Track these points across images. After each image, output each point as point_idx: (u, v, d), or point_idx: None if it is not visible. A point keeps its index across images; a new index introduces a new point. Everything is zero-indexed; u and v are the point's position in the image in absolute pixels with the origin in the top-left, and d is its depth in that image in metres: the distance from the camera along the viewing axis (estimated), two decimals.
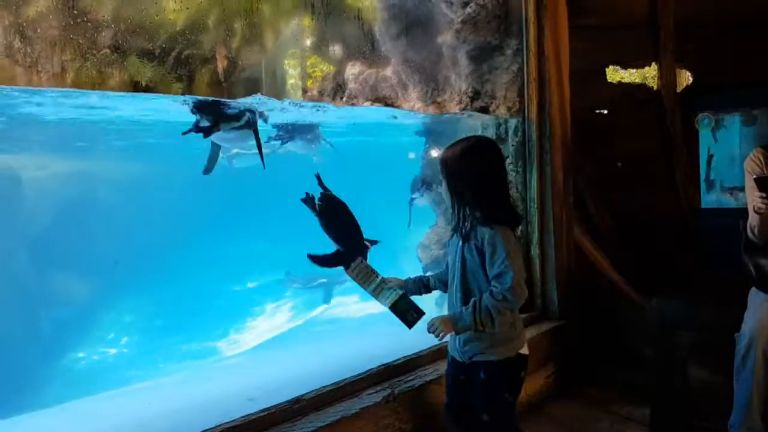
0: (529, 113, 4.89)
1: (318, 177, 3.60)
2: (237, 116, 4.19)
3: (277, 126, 6.09)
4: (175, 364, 7.44)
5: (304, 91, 5.69)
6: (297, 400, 3.17)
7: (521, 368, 2.84)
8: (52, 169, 9.33)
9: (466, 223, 2.73)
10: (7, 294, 7.70)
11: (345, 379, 3.39)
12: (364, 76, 5.84)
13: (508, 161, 5.02)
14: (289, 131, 6.22)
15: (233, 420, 2.94)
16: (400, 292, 2.91)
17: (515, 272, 2.56)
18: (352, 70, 5.85)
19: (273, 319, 9.46)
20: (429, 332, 2.68)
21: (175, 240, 9.75)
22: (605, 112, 6.08)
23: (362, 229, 3.41)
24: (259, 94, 4.16)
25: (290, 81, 5.58)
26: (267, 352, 7.31)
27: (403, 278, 3.15)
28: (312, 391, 3.27)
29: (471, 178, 2.70)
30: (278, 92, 5.36)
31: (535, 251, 4.89)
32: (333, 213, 3.64)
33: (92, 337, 8.74)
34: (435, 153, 6.29)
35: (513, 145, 4.97)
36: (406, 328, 2.87)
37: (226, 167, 7.78)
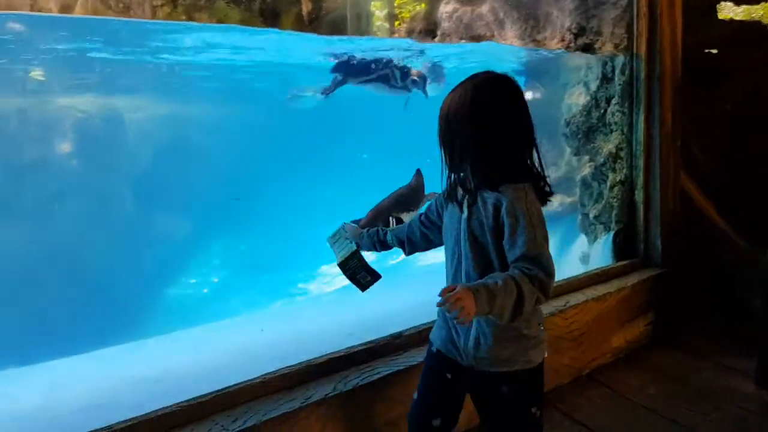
0: (637, 50, 4.63)
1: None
2: (367, 70, 4.26)
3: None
4: (270, 300, 7.71)
5: (392, 32, 5.60)
6: (398, 335, 3.22)
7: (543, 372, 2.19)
8: (152, 111, 9.68)
9: (469, 185, 2.06)
10: (114, 228, 8.16)
11: None
12: (459, 14, 5.67)
13: (614, 101, 4.81)
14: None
15: (338, 351, 3.02)
16: (353, 248, 2.49)
17: (548, 254, 1.92)
18: (446, 8, 5.69)
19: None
20: (440, 304, 1.78)
21: (273, 180, 9.97)
22: (714, 51, 5.70)
23: None
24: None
25: (377, 23, 5.50)
26: (356, 293, 7.43)
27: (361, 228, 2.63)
28: (411, 327, 3.31)
29: (478, 122, 1.97)
30: (364, 33, 5.30)
31: (639, 195, 4.70)
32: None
33: (193, 272, 9.17)
34: (533, 94, 6.11)
35: (619, 84, 4.74)
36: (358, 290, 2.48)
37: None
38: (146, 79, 8.28)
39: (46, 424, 3.10)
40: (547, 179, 2.07)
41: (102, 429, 2.28)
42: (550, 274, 1.88)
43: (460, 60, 7.15)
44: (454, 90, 2.09)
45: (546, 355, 2.15)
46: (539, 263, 1.87)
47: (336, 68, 4.82)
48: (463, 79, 2.09)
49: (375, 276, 2.44)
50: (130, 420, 2.34)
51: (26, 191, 7.66)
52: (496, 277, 1.85)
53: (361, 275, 2.44)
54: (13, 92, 7.65)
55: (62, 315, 6.37)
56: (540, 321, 2.13)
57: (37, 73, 7.20)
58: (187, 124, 9.92)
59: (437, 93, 6.76)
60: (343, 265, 2.47)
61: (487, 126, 1.97)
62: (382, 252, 2.60)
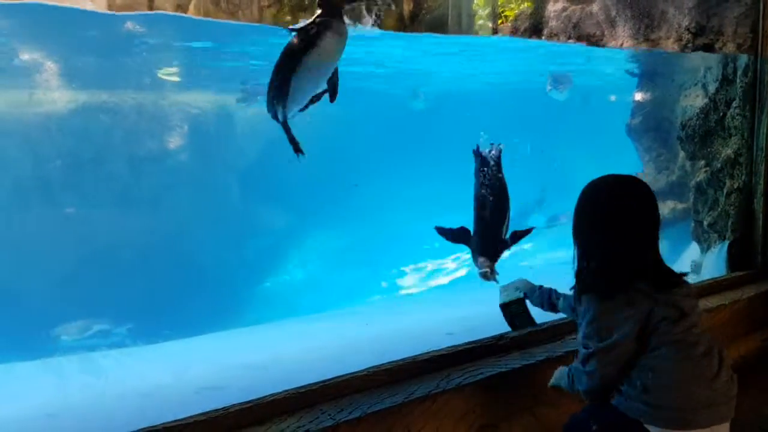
0: (763, 51, 4.38)
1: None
2: None
3: None
4: (369, 295, 7.86)
5: (494, 30, 5.55)
6: (501, 337, 3.21)
7: None
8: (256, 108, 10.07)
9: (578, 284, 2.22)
10: (217, 221, 8.55)
11: (548, 322, 3.37)
12: (567, 13, 5.56)
13: (734, 104, 4.57)
14: None
15: (441, 349, 3.05)
16: (520, 296, 2.78)
17: (598, 356, 2.06)
18: (554, 6, 5.60)
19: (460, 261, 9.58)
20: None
21: (370, 177, 10.14)
22: None
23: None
24: None
25: (479, 21, 5.47)
26: (455, 292, 7.44)
27: (537, 284, 2.94)
28: (514, 331, 3.29)
29: (585, 230, 2.21)
30: (464, 31, 5.29)
31: (759, 204, 4.45)
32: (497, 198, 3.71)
33: (293, 265, 9.47)
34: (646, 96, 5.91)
35: (741, 87, 4.51)
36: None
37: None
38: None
39: (173, 403, 3.31)
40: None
41: (220, 409, 2.42)
42: (588, 373, 2.11)
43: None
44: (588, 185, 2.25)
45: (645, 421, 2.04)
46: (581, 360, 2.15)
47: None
48: None
49: (532, 324, 2.75)
50: (246, 403, 2.47)
51: (142, 183, 8.14)
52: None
53: (519, 320, 2.76)
54: (133, 87, 8.14)
55: (177, 299, 6.75)
56: None
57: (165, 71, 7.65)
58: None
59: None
60: (505, 307, 2.77)
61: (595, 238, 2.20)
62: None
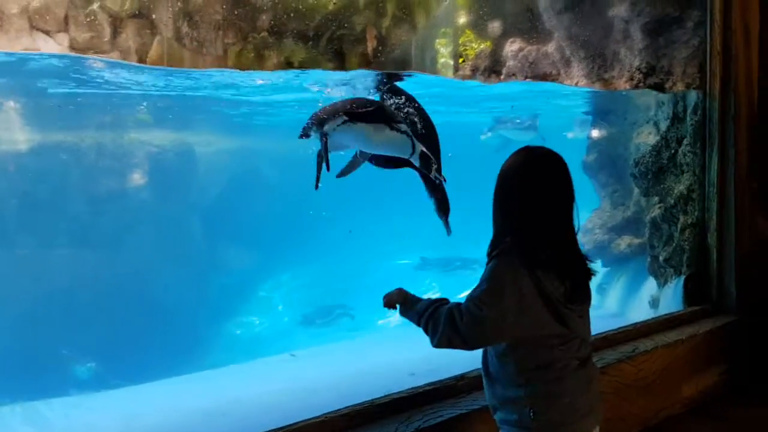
0: (711, 90, 4.53)
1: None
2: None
3: None
4: (332, 335, 7.77)
5: (456, 69, 5.64)
6: (461, 377, 3.19)
7: None
8: (218, 146, 10.01)
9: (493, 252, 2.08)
10: (179, 261, 8.40)
11: None
12: (524, 53, 5.68)
13: (685, 141, 4.70)
14: None
15: (400, 391, 3.01)
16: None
17: (483, 303, 1.93)
18: (511, 47, 5.72)
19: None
20: (383, 300, 2.25)
21: (331, 216, 10.13)
22: None
23: None
24: None
25: (441, 60, 5.55)
26: (420, 330, 7.39)
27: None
28: (474, 369, 3.26)
29: (507, 199, 2.08)
30: (428, 71, 5.36)
31: (712, 239, 4.55)
32: None
33: (254, 305, 9.34)
34: (601, 133, 6.04)
35: (691, 125, 4.65)
36: None
37: None
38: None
39: None
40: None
41: None
42: (469, 310, 1.96)
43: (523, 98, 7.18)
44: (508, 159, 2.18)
45: None
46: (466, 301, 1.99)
47: None
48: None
49: None
50: None
51: (99, 222, 7.97)
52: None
53: None
54: (90, 126, 8.02)
55: (133, 343, 6.58)
56: (534, 411, 2.00)
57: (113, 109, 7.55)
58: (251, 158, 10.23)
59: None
60: None
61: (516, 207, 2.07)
62: None
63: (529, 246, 1.97)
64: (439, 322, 2.00)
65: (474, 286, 2.00)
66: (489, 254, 2.07)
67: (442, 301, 2.10)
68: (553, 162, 2.08)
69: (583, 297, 2.09)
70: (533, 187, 2.04)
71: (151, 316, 7.33)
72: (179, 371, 4.99)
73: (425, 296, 2.23)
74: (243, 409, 3.72)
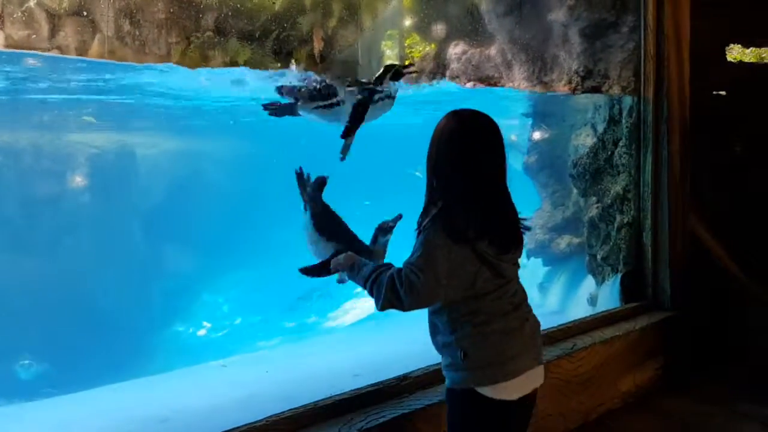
0: (645, 93, 4.67)
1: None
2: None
3: None
4: (274, 339, 7.69)
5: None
6: (404, 377, 3.20)
7: (488, 411, 2.09)
8: (162, 148, 9.80)
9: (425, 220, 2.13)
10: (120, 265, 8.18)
11: None
12: (468, 56, 5.75)
13: (621, 143, 4.83)
14: None
15: (343, 393, 3.00)
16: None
17: (418, 269, 2.01)
18: (455, 49, 5.77)
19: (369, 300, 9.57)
20: (331, 266, 2.41)
21: (274, 219, 10.03)
22: (723, 93, 5.72)
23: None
24: None
25: (387, 61, 5.57)
26: (365, 331, 7.41)
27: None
28: (418, 369, 3.28)
29: (439, 164, 2.12)
30: (374, 73, 5.38)
31: (647, 237, 4.69)
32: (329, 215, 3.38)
33: (196, 310, 9.16)
34: (541, 135, 6.15)
35: (627, 127, 4.78)
36: None
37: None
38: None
39: None
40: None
41: None
42: (411, 272, 2.03)
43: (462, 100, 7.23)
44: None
45: (483, 392, 2.07)
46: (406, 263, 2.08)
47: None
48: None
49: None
50: None
51: (38, 225, 7.72)
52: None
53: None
54: (28, 127, 7.76)
55: (69, 350, 6.36)
56: (464, 352, 2.09)
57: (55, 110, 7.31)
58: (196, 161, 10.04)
59: None
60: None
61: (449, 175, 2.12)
62: None
63: (459, 219, 2.02)
64: (382, 286, 2.10)
65: (411, 253, 2.09)
66: (420, 222, 2.14)
67: (385, 266, 2.20)
68: (484, 123, 2.13)
69: (515, 246, 2.18)
70: (465, 151, 2.07)
71: (87, 321, 7.10)
72: (115, 378, 4.85)
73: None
74: (183, 415, 3.63)
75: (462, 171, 2.06)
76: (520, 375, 2.09)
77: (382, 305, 2.12)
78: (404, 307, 2.08)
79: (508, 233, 2.14)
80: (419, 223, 2.14)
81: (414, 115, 7.27)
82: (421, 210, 2.17)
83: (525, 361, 2.12)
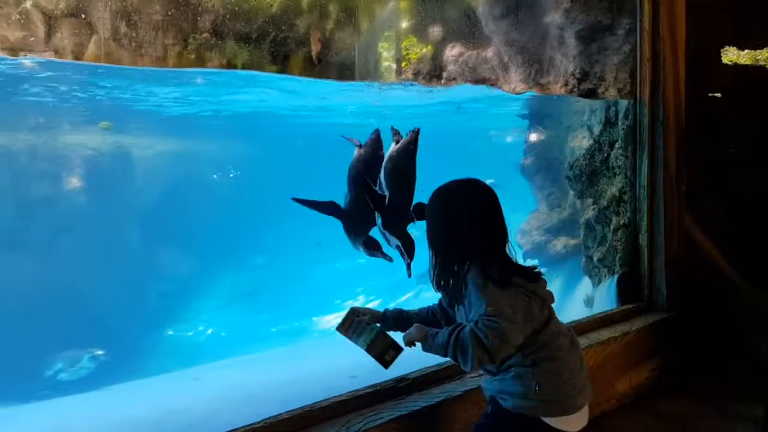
0: (641, 95, 4.69)
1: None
2: None
3: None
4: (272, 340, 7.67)
5: (398, 73, 5.67)
6: (401, 379, 3.20)
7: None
8: (158, 149, 9.78)
9: (455, 282, 2.33)
10: (116, 267, 8.16)
11: (448, 361, 3.38)
12: (464, 58, 5.75)
13: (617, 145, 4.85)
14: None
15: (341, 395, 3.00)
16: (377, 328, 2.53)
17: (493, 317, 2.12)
18: (452, 51, 5.78)
19: (366, 302, 9.58)
20: (404, 340, 2.40)
21: (270, 221, 10.01)
22: (719, 95, 5.75)
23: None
24: None
25: (384, 63, 5.57)
26: None
27: (381, 310, 2.72)
28: (416, 371, 3.28)
29: (458, 230, 2.34)
30: (371, 75, 5.38)
31: (643, 239, 4.70)
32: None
33: (194, 311, 9.13)
34: (537, 137, 6.16)
35: (623, 129, 4.79)
36: (383, 368, 2.53)
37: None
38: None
39: None
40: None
41: None
42: (495, 317, 2.13)
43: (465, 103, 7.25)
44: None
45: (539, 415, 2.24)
46: (485, 312, 2.16)
47: None
48: None
49: (398, 350, 2.50)
50: None
51: (34, 227, 7.69)
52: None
53: (388, 354, 2.50)
54: (24, 128, 7.74)
55: (63, 353, 6.34)
56: (538, 384, 2.24)
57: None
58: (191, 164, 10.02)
59: None
60: (370, 349, 2.51)
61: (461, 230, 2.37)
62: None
63: (495, 267, 2.24)
64: (467, 346, 2.14)
65: (473, 310, 2.21)
66: (439, 282, 2.38)
67: (457, 327, 2.23)
68: (475, 183, 2.40)
69: (536, 274, 2.38)
70: (476, 210, 2.36)
71: (81, 323, 7.08)
72: (110, 380, 4.84)
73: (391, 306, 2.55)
74: (179, 417, 3.62)
75: (478, 227, 2.33)
76: (581, 410, 2.30)
77: (472, 364, 2.15)
78: (493, 358, 2.16)
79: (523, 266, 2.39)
80: (438, 283, 2.38)
81: None
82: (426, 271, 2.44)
83: (585, 397, 2.33)
